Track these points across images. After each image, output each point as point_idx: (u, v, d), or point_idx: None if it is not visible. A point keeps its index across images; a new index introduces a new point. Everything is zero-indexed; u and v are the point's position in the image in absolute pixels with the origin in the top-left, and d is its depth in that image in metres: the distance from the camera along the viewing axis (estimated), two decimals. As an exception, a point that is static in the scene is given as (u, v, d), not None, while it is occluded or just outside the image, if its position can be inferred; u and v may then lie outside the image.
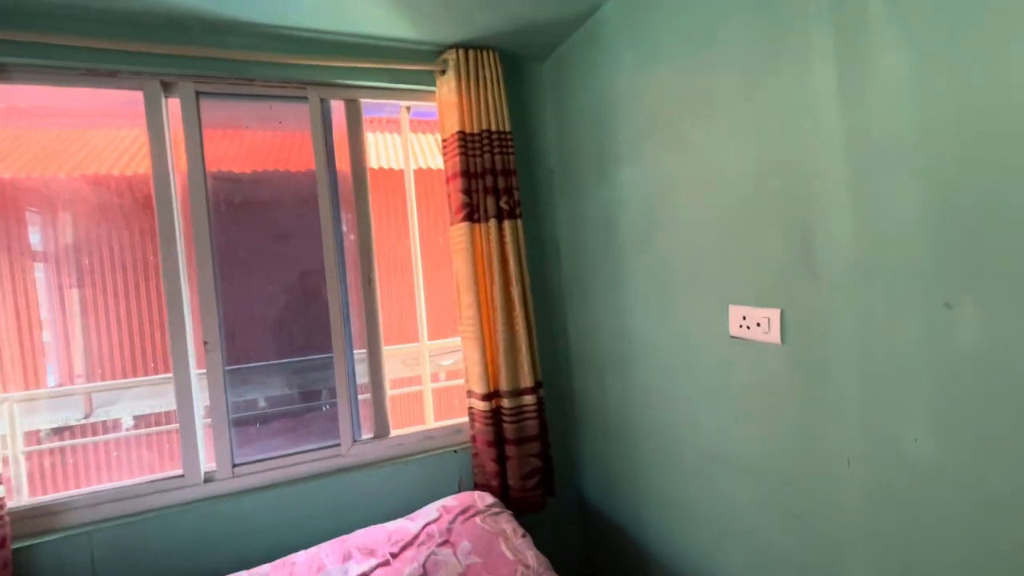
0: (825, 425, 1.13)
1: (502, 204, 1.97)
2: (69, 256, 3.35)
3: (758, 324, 1.27)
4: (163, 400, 2.97)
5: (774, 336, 1.23)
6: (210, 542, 1.70)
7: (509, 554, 1.49)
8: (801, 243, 1.14)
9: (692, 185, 1.46)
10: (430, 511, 1.76)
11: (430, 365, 2.26)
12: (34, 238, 2.80)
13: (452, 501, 1.81)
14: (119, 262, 2.75)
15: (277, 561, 1.57)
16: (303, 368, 2.10)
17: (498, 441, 1.97)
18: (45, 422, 3.20)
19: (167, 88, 1.76)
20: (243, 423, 2.03)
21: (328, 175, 1.95)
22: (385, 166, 3.22)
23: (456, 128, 1.93)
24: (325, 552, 1.58)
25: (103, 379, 3.50)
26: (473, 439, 2.01)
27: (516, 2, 1.69)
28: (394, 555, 1.53)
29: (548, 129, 2.22)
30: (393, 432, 2.05)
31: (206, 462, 1.81)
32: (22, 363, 2.66)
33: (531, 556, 1.46)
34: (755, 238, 1.26)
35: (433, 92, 2.03)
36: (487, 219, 1.95)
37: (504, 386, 1.95)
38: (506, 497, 1.97)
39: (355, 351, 2.01)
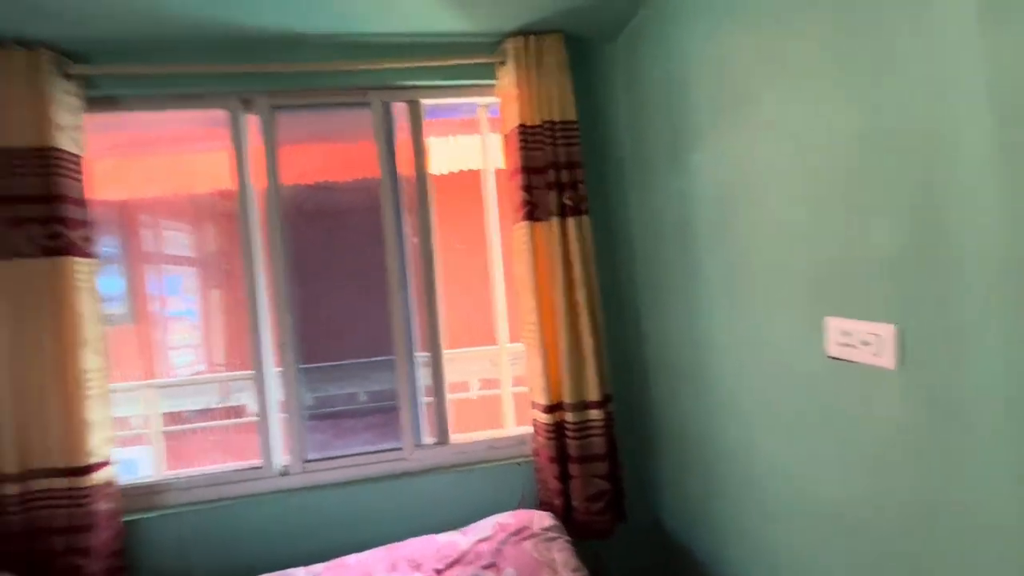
0: (957, 477, 0.83)
1: (565, 200, 1.82)
2: (203, 261, 3.83)
3: (865, 343, 0.98)
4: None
5: (887, 359, 0.93)
6: (278, 534, 1.79)
7: (555, 589, 1.34)
8: (925, 234, 0.84)
9: (775, 167, 1.18)
10: (485, 527, 1.67)
11: (512, 368, 2.18)
12: (161, 245, 3.26)
13: (509, 519, 1.70)
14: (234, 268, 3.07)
15: (331, 562, 1.59)
16: (369, 369, 2.14)
17: (561, 458, 1.82)
18: (190, 404, 3.71)
19: (247, 105, 1.88)
20: (314, 420, 2.12)
21: (391, 180, 1.96)
22: (467, 167, 3.21)
23: (516, 121, 1.82)
24: (375, 559, 1.56)
25: (233, 369, 3.96)
26: (536, 453, 1.89)
27: None
28: (438, 572, 1.46)
29: (620, 115, 2.01)
30: (455, 439, 1.99)
31: (282, 456, 1.91)
32: (140, 354, 3.08)
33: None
34: (860, 229, 0.97)
35: (494, 85, 1.94)
36: (549, 217, 1.81)
37: (568, 398, 1.80)
38: (569, 518, 1.81)
39: (418, 354, 2.00)
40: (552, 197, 1.81)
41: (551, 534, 1.59)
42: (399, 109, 1.99)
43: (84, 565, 1.56)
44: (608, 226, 2.01)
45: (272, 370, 1.92)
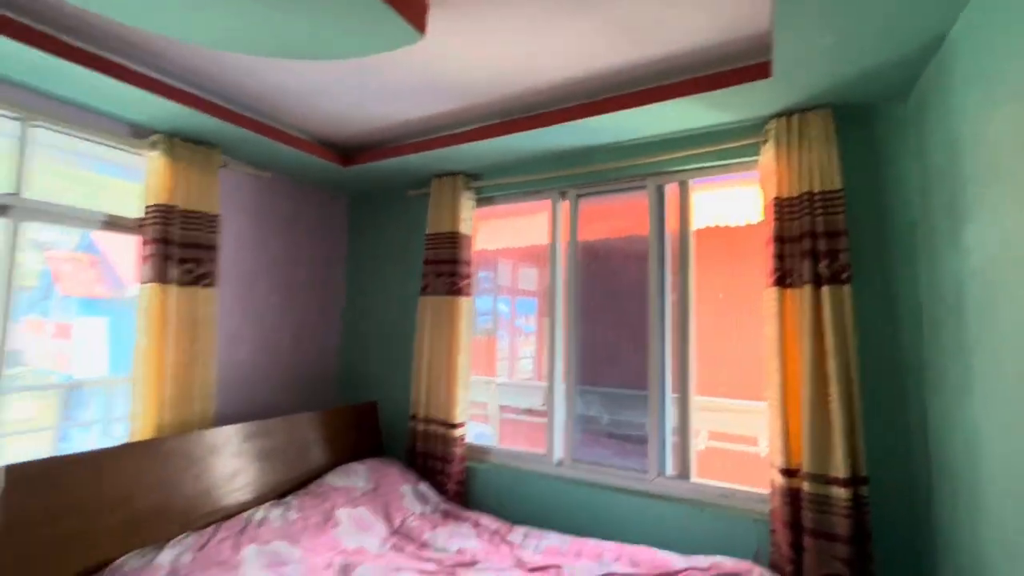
0: None
1: (820, 269, 1.84)
2: (542, 294, 4.99)
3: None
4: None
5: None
6: (548, 504, 2.42)
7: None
8: None
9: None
10: (704, 560, 1.85)
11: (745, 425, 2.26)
12: (517, 283, 4.48)
13: (729, 562, 1.83)
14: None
15: (577, 538, 2.10)
16: (626, 398, 2.56)
17: (794, 525, 1.81)
18: (524, 403, 4.90)
19: (562, 195, 2.66)
20: (584, 429, 2.69)
21: (658, 248, 2.37)
22: (732, 223, 3.24)
23: (773, 194, 1.96)
24: (607, 548, 1.99)
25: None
26: (772, 513, 1.92)
27: (838, 62, 1.61)
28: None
29: (909, 177, 1.85)
30: (695, 478, 2.21)
31: (560, 451, 2.55)
32: (484, 360, 4.27)
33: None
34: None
35: (757, 161, 2.11)
36: (800, 284, 1.87)
37: (806, 468, 1.79)
38: (801, 591, 1.78)
39: (670, 394, 2.32)
40: (806, 265, 1.86)
41: (764, 590, 1.66)
42: (670, 187, 2.40)
43: (445, 482, 2.57)
44: (885, 295, 1.87)
45: (560, 385, 2.60)
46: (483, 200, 2.85)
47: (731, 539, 2.03)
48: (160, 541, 1.77)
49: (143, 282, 2.18)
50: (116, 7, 1.35)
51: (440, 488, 2.58)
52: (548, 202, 2.70)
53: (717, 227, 3.05)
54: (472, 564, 1.91)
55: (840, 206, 1.84)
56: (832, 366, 1.77)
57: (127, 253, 2.12)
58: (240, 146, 2.46)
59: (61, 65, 1.72)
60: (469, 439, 2.73)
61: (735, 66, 1.79)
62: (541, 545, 2.07)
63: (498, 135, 2.31)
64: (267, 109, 2.30)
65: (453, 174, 2.78)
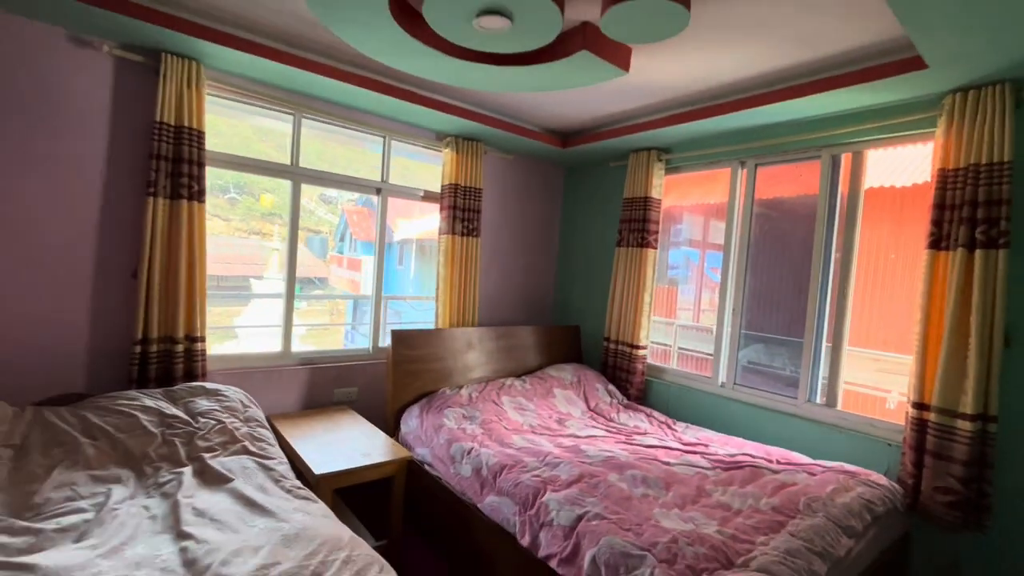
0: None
1: (977, 234, 2.06)
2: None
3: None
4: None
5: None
6: (711, 416, 3.10)
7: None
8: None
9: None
10: (830, 462, 2.36)
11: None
12: (708, 236, 4.90)
13: (855, 468, 2.30)
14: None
15: (728, 436, 2.77)
16: (785, 343, 2.99)
17: (918, 447, 2.19)
18: (704, 347, 5.39)
19: (742, 164, 3.11)
20: (744, 368, 3.21)
21: (827, 210, 2.71)
22: (900, 184, 3.13)
23: (939, 166, 2.19)
24: (749, 443, 2.61)
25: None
26: (904, 440, 2.29)
27: (996, 52, 1.80)
28: (771, 459, 2.37)
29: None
30: (841, 407, 2.63)
31: (724, 375, 3.17)
32: (668, 308, 4.83)
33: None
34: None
35: (934, 132, 2.29)
36: (954, 248, 2.12)
37: (934, 402, 2.13)
38: (917, 500, 2.18)
39: (824, 344, 2.72)
40: (962, 231, 2.09)
41: (874, 489, 2.12)
42: (845, 156, 2.67)
43: (628, 388, 3.44)
44: (1049, 261, 2.00)
45: (727, 327, 3.17)
46: (671, 169, 3.46)
47: (866, 458, 2.45)
48: (455, 384, 3.06)
49: (441, 233, 3.46)
50: (434, 72, 2.40)
51: (624, 392, 3.46)
52: (729, 170, 3.18)
53: (891, 187, 3.08)
54: (643, 434, 2.76)
55: (1007, 176, 2.01)
56: (975, 321, 2.04)
57: (391, 209, 3.34)
58: (494, 139, 3.54)
59: (403, 104, 2.93)
60: (647, 360, 3.52)
61: (895, 58, 2.07)
62: (697, 434, 2.80)
63: (686, 121, 2.90)
64: (512, 112, 3.30)
65: (648, 149, 3.44)
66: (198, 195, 2.43)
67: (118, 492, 1.61)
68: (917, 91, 2.22)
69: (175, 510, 1.54)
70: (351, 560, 1.31)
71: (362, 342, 3.44)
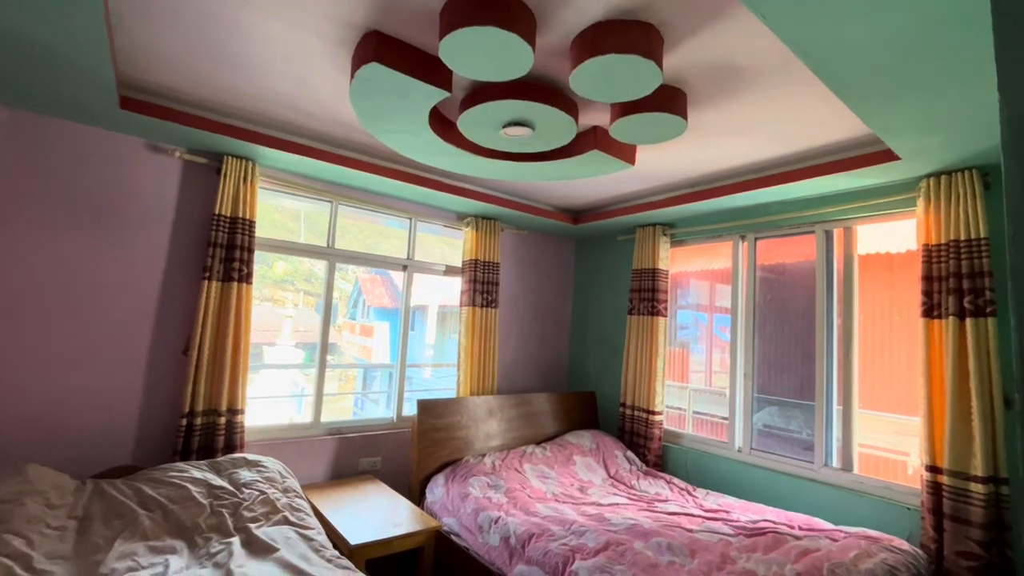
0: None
1: (966, 303, 2.24)
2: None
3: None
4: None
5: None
6: (729, 481, 3.13)
7: None
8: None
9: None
10: (852, 528, 2.40)
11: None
12: (715, 300, 5.07)
13: (876, 533, 2.34)
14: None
15: (749, 502, 2.80)
16: (795, 406, 3.08)
17: (936, 511, 2.24)
18: (717, 410, 5.42)
19: (742, 238, 3.35)
20: (759, 431, 3.28)
21: (825, 279, 2.90)
22: (894, 250, 3.34)
23: (923, 241, 2.40)
24: (770, 509, 2.65)
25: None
26: (922, 504, 2.34)
27: (954, 146, 2.06)
28: (792, 527, 2.41)
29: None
30: (857, 471, 2.69)
31: (740, 440, 3.23)
32: (680, 371, 4.92)
33: None
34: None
35: (914, 210, 2.53)
36: (946, 316, 2.29)
37: (946, 465, 2.21)
38: (940, 563, 2.20)
39: (836, 407, 2.82)
40: (951, 300, 2.27)
41: (896, 554, 2.15)
42: (837, 231, 2.91)
43: (646, 454, 3.49)
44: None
45: (740, 388, 3.28)
46: (676, 242, 3.71)
47: (887, 523, 2.49)
48: (477, 452, 3.15)
49: (462, 306, 3.68)
50: (463, 167, 2.70)
51: (642, 458, 3.52)
52: (731, 243, 3.42)
53: (885, 253, 3.30)
54: (664, 501, 2.81)
55: (985, 251, 2.21)
56: (974, 385, 2.16)
57: (399, 278, 3.59)
58: (510, 218, 3.84)
59: (429, 192, 3.24)
60: (664, 426, 3.60)
61: (873, 149, 2.34)
62: (718, 500, 2.84)
63: (688, 202, 3.18)
64: (526, 194, 3.61)
65: (653, 224, 3.71)
66: (247, 277, 2.68)
67: (175, 562, 1.71)
68: (895, 176, 2.48)
69: (228, 579, 1.63)
70: (400, 626, 1.39)
71: (371, 409, 3.56)
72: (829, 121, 2.18)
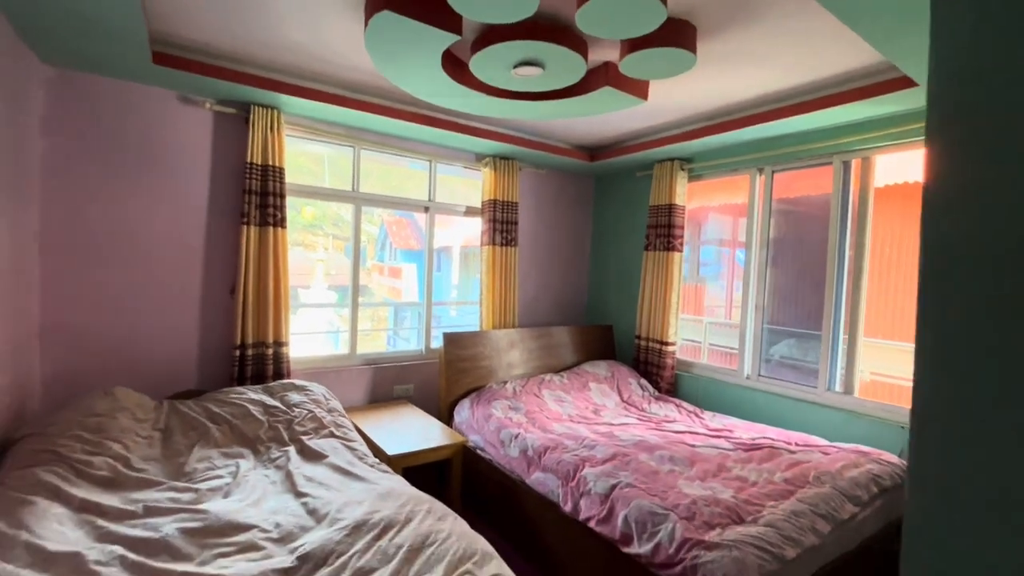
0: None
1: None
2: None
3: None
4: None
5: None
6: (735, 406, 3.34)
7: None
8: None
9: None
10: (847, 445, 2.58)
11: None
12: (738, 235, 5.09)
13: (868, 448, 2.52)
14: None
15: (751, 423, 3.01)
16: (815, 338, 3.19)
17: (926, 428, 2.39)
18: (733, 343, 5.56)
19: (759, 171, 3.35)
20: (767, 359, 3.43)
21: (839, 211, 2.92)
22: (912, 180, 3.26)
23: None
24: (770, 428, 2.86)
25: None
26: (915, 422, 2.49)
27: None
28: (789, 443, 2.61)
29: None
30: (858, 394, 2.84)
31: (749, 368, 3.40)
32: (697, 306, 5.04)
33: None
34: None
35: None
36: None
37: (940, 386, 2.33)
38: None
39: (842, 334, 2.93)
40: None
41: (883, 466, 2.34)
42: (855, 162, 2.88)
43: (658, 381, 3.71)
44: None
45: (751, 322, 3.40)
46: (694, 177, 3.72)
47: (881, 442, 2.66)
48: (500, 380, 3.42)
49: (483, 245, 3.83)
50: (477, 108, 2.76)
51: (655, 385, 3.74)
52: (747, 176, 3.42)
53: (903, 184, 3.25)
54: (672, 421, 3.04)
55: None
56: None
57: (423, 219, 3.70)
58: (528, 157, 3.89)
59: (447, 133, 3.31)
60: (677, 355, 3.78)
61: (891, 76, 2.29)
62: (723, 421, 3.06)
63: (704, 136, 3.17)
64: (543, 132, 3.63)
65: (670, 160, 3.71)
66: (281, 222, 2.89)
67: (244, 464, 2.04)
68: (914, 104, 2.43)
69: (289, 478, 1.95)
70: (432, 511, 1.67)
71: (403, 345, 3.85)
72: (844, 50, 2.14)
